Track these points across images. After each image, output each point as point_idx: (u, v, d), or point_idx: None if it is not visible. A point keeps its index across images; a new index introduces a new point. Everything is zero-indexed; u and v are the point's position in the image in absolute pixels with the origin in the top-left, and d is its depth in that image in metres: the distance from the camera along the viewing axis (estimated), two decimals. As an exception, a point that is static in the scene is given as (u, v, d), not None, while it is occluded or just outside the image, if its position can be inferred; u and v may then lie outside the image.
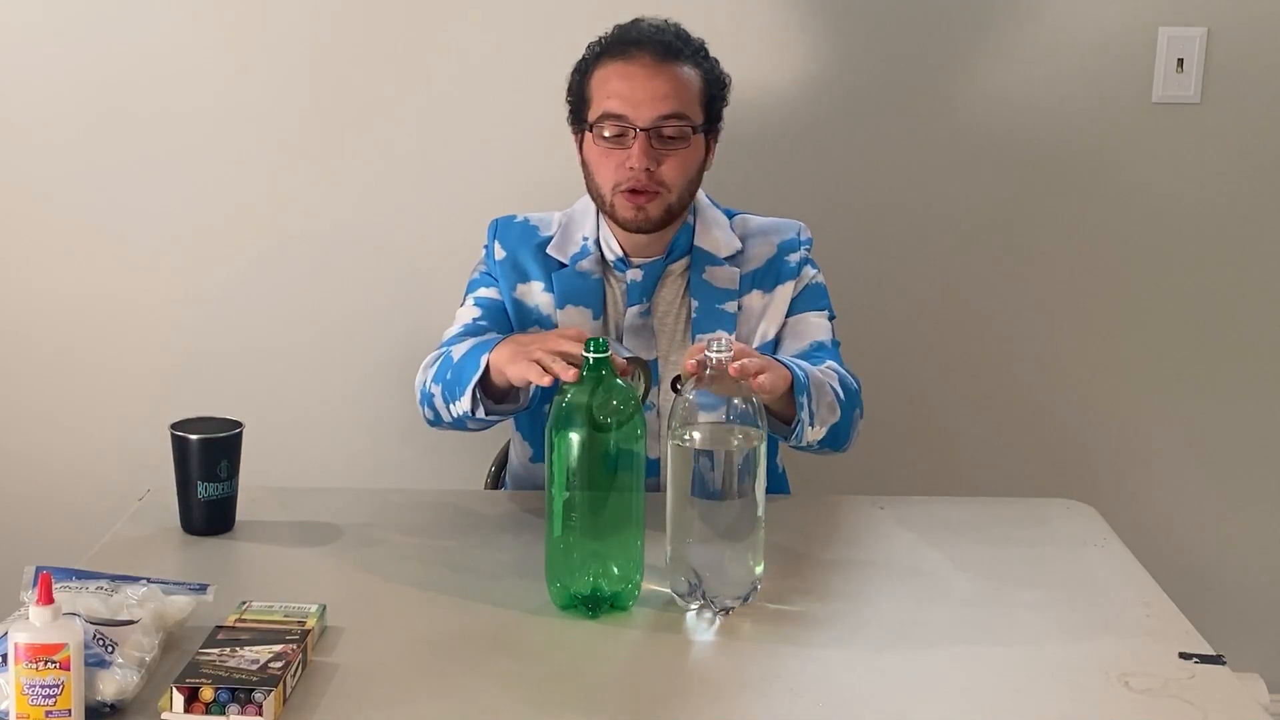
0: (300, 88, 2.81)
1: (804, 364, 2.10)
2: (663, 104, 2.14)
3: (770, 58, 2.79)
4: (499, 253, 2.30)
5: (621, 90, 2.15)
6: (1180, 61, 2.79)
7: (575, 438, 1.77)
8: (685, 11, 2.30)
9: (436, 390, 2.14)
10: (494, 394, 2.09)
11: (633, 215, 2.18)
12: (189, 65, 2.79)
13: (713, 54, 2.24)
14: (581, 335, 1.90)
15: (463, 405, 2.08)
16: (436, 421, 2.18)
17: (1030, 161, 2.85)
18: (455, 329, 2.27)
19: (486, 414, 2.09)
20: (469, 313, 2.28)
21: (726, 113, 2.27)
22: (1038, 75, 2.81)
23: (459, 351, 2.13)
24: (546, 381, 1.87)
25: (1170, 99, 2.81)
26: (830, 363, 2.22)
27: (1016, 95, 2.82)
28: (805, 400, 2.03)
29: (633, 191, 2.16)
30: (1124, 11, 2.79)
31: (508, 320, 2.28)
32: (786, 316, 2.27)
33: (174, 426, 2.04)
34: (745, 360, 1.82)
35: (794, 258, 2.29)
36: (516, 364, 1.95)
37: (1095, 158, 2.85)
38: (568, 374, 1.83)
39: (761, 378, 1.86)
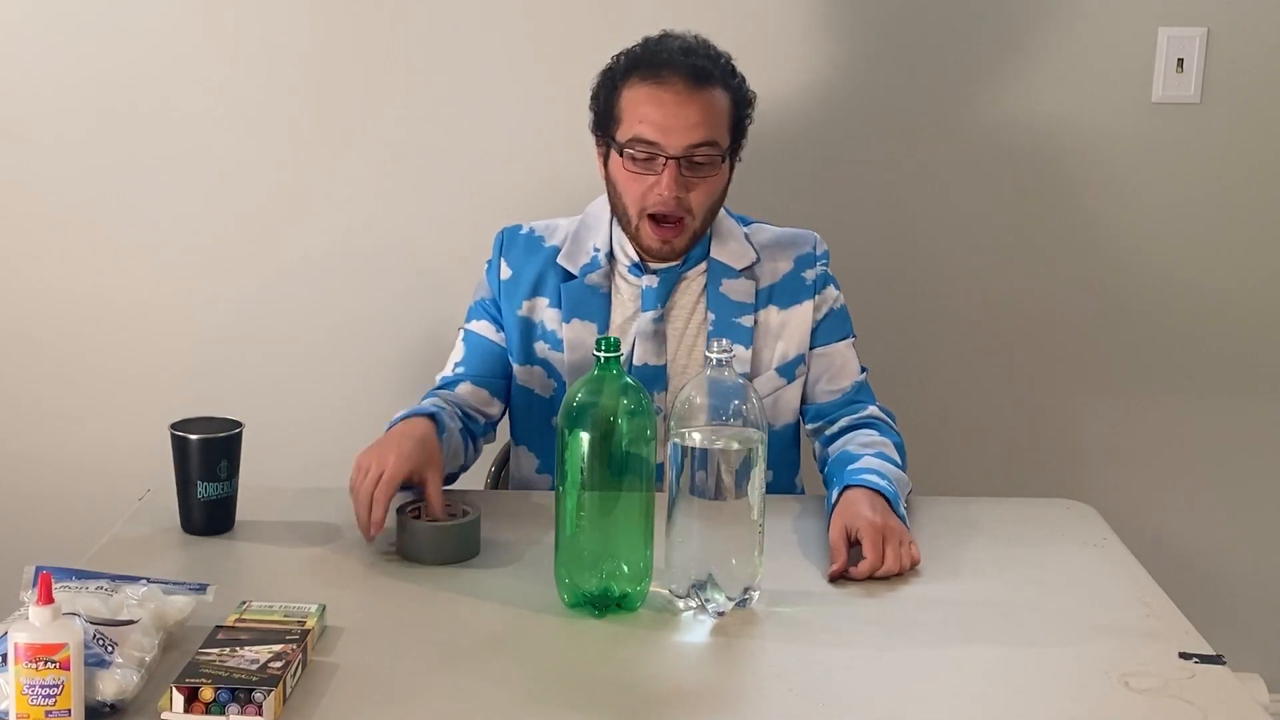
0: (304, 90, 2.80)
1: (884, 469, 2.08)
2: (694, 132, 2.13)
3: (775, 64, 2.78)
4: (504, 271, 2.29)
5: (653, 116, 2.13)
6: (1180, 61, 2.79)
7: (585, 435, 1.77)
8: (694, 20, 2.29)
9: None
10: None
11: (658, 247, 2.19)
12: (194, 67, 2.79)
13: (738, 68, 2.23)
14: (385, 480, 1.96)
15: None
16: None
17: (1030, 161, 2.85)
18: (449, 369, 2.30)
19: None
20: (457, 352, 2.31)
21: None
22: (1038, 76, 2.81)
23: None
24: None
25: (1170, 99, 2.81)
26: (872, 408, 2.26)
27: (1016, 95, 2.82)
28: (904, 511, 2.04)
29: (660, 221, 2.16)
30: (1124, 11, 2.79)
31: (495, 361, 2.28)
32: (812, 345, 2.27)
33: (174, 426, 2.04)
34: (889, 566, 1.92)
35: (810, 274, 2.28)
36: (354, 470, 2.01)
37: (1095, 158, 2.85)
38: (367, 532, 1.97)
39: (908, 560, 1.94)
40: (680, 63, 2.15)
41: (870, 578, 1.92)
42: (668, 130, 2.13)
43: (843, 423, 2.25)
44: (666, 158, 2.13)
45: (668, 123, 2.13)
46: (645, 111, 2.14)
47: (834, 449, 2.21)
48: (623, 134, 2.16)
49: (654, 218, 2.17)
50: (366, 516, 1.96)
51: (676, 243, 2.19)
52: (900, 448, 2.21)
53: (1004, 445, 2.96)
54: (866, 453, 2.13)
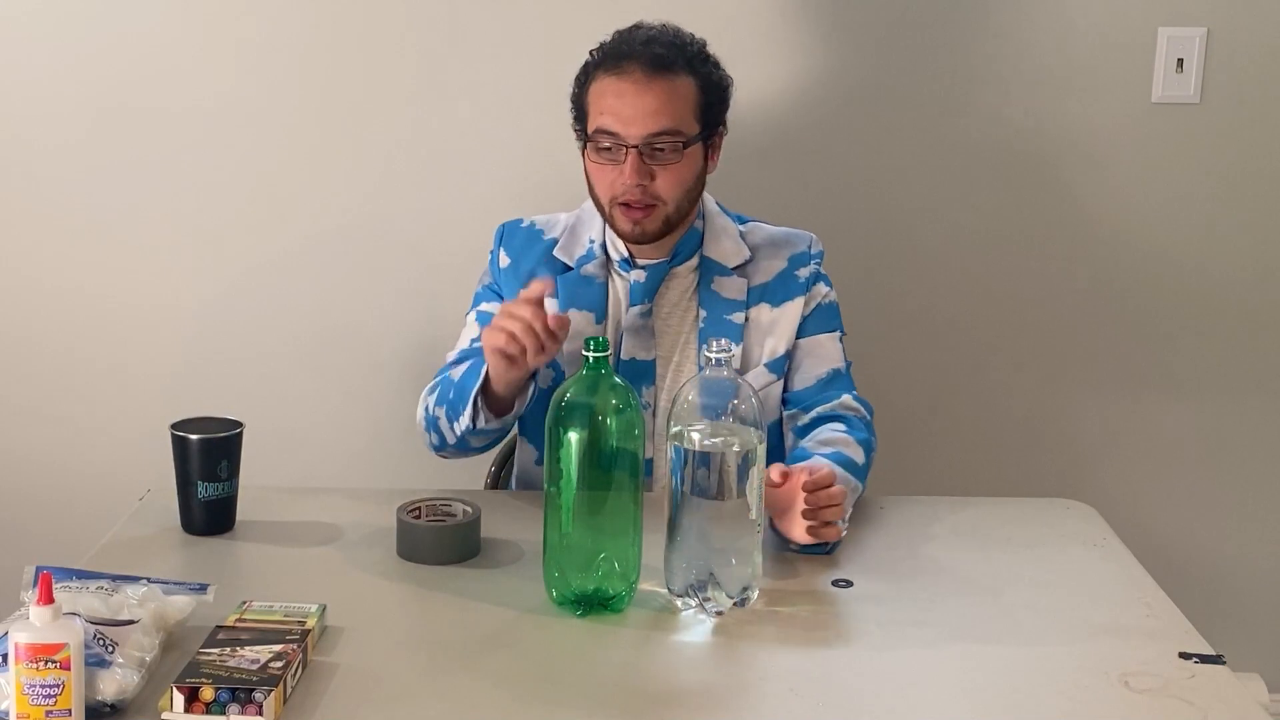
0: (304, 88, 2.80)
1: (837, 470, 2.05)
2: (652, 120, 2.14)
3: (772, 62, 2.78)
4: (503, 260, 2.31)
5: (613, 107, 2.16)
6: (1180, 61, 2.79)
7: (574, 435, 1.77)
8: (691, 14, 2.30)
9: (440, 412, 2.18)
10: (496, 408, 2.12)
11: (629, 229, 2.20)
12: (192, 65, 2.79)
13: (714, 55, 2.24)
14: (535, 291, 1.99)
15: (465, 419, 2.12)
16: (441, 446, 2.22)
17: (1030, 162, 2.85)
18: (455, 352, 2.30)
19: (487, 424, 2.13)
20: (470, 332, 2.31)
21: (733, 116, 2.27)
22: (1037, 75, 2.81)
23: (458, 372, 2.18)
24: (500, 341, 1.98)
25: (1170, 99, 2.81)
26: (846, 397, 2.24)
27: (1016, 95, 2.82)
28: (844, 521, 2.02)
29: (628, 206, 2.17)
30: (1124, 11, 2.79)
31: None
32: (798, 337, 2.27)
33: (174, 426, 2.04)
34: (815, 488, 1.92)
35: (804, 273, 2.28)
36: (485, 344, 2.02)
37: (1095, 158, 2.84)
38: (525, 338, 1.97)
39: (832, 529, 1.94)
40: (640, 52, 2.18)
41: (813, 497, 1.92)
42: (627, 120, 2.15)
43: (815, 412, 2.23)
44: (627, 147, 2.15)
45: (626, 112, 2.15)
46: (607, 103, 2.17)
47: (802, 444, 2.19)
48: (590, 127, 2.20)
49: (624, 204, 2.19)
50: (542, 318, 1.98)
51: (647, 224, 2.19)
52: (866, 444, 2.18)
53: (1004, 445, 2.96)
54: (821, 451, 2.11)
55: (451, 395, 2.16)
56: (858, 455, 2.13)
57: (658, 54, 2.17)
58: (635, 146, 2.15)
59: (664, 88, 2.16)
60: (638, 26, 2.23)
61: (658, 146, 2.15)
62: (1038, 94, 2.81)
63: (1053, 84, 2.81)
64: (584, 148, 2.23)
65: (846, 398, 2.24)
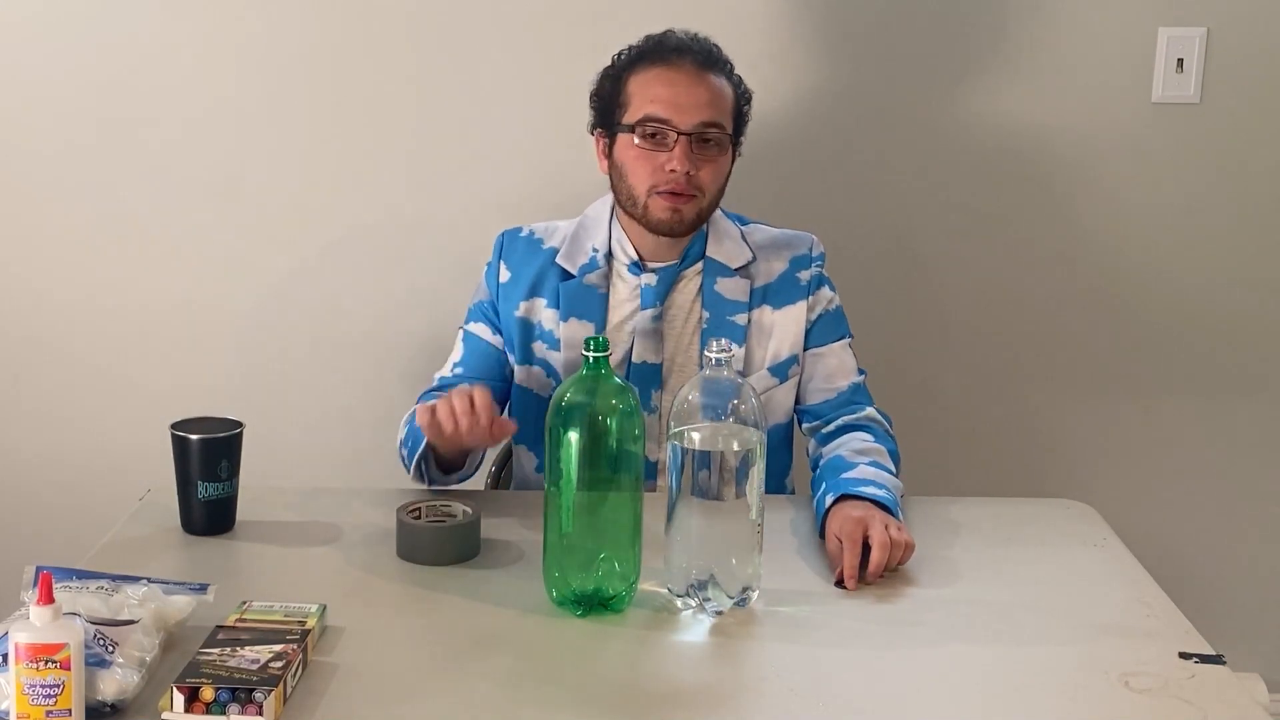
0: (309, 92, 2.80)
1: (880, 478, 2.07)
2: (704, 111, 2.17)
3: (775, 65, 2.78)
4: (504, 274, 2.31)
5: (664, 95, 2.17)
6: (1180, 62, 2.79)
7: (574, 435, 1.77)
8: (693, 21, 2.30)
9: (404, 451, 2.20)
10: (444, 464, 2.15)
11: (668, 217, 2.20)
12: (198, 69, 2.79)
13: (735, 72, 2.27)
14: (475, 395, 1.97)
15: (413, 477, 2.16)
16: (413, 475, 2.21)
17: (1030, 162, 2.85)
18: (446, 367, 2.32)
19: (431, 484, 2.16)
20: (456, 353, 2.33)
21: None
22: (1038, 76, 2.81)
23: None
24: (429, 430, 1.99)
25: (1170, 99, 2.81)
26: (870, 410, 2.26)
27: (1016, 96, 2.82)
28: (902, 519, 2.04)
29: (671, 194, 2.18)
30: (1124, 11, 2.79)
31: (493, 363, 2.30)
32: (807, 346, 2.28)
33: (174, 426, 2.04)
34: (881, 561, 1.90)
35: (805, 275, 2.29)
36: (419, 419, 2.01)
37: (1095, 158, 2.85)
38: (446, 423, 1.96)
39: (899, 535, 1.94)
40: (688, 48, 2.22)
41: (879, 573, 1.91)
42: (679, 108, 2.17)
43: (839, 422, 2.26)
44: (678, 134, 2.16)
45: (679, 100, 2.17)
46: (656, 91, 2.18)
47: (828, 450, 2.21)
48: (632, 115, 2.20)
49: (663, 195, 2.19)
50: (478, 408, 1.96)
51: (686, 211, 2.20)
52: (895, 455, 2.21)
53: (1003, 445, 2.96)
54: (861, 461, 2.12)
55: (410, 443, 2.17)
56: (890, 464, 2.16)
57: (707, 50, 2.22)
58: (687, 134, 2.16)
59: (713, 83, 2.20)
60: (671, 31, 2.26)
61: (706, 137, 2.18)
62: (1038, 94, 2.82)
63: (1053, 84, 2.81)
64: (612, 142, 2.23)
65: (870, 410, 2.27)
